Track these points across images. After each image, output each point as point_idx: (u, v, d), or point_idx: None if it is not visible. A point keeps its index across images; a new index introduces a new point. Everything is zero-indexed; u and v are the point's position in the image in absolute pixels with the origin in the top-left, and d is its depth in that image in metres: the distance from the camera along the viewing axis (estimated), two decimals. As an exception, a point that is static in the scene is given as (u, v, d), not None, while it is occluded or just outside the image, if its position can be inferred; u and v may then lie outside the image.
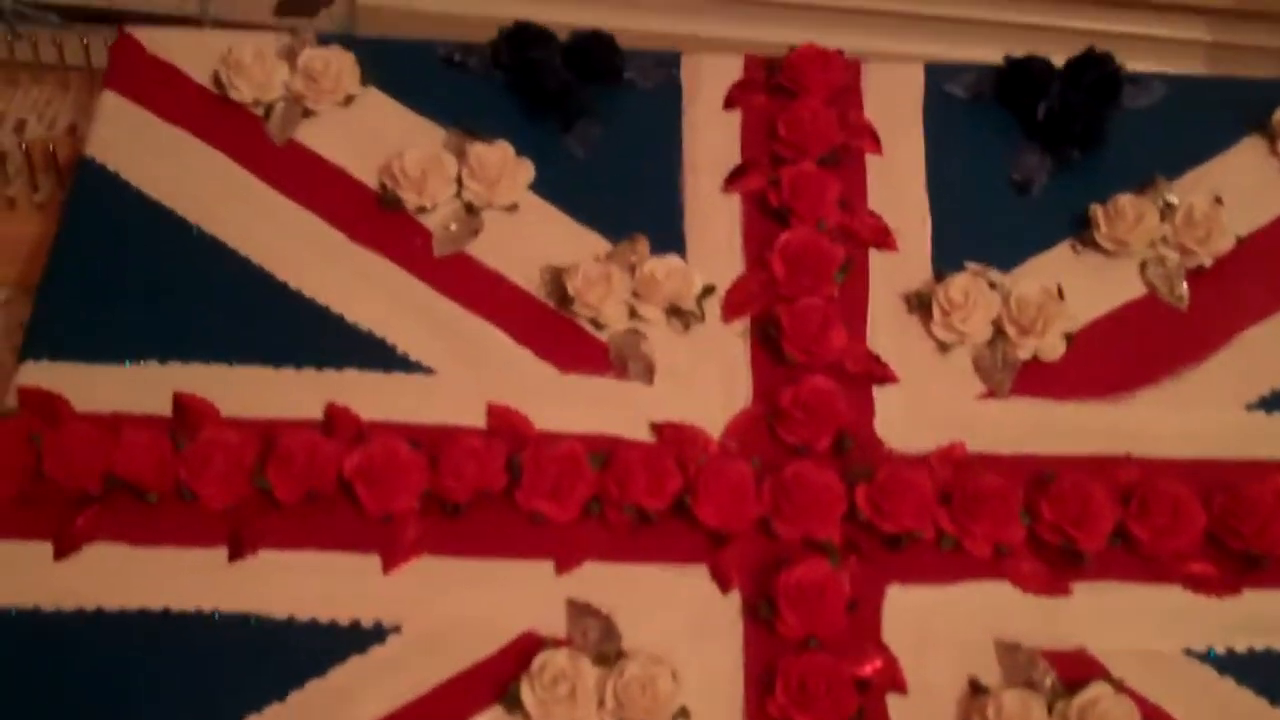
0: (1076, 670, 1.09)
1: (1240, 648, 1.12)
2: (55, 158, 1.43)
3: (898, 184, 1.33)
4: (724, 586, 1.12)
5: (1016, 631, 1.11)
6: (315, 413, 1.17)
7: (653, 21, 1.63)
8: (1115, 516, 1.15)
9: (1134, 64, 1.40)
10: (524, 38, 1.36)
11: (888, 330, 1.25)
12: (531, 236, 1.28)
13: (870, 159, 1.34)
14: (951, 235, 1.29)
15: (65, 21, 1.57)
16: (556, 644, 1.07)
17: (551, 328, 1.23)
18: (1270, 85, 1.41)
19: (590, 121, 1.34)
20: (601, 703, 1.05)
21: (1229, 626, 1.13)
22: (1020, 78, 1.36)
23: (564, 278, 1.23)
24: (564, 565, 1.12)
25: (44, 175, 1.44)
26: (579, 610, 1.10)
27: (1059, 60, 1.39)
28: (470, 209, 1.28)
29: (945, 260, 1.28)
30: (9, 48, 1.56)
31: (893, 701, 1.08)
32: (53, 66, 1.56)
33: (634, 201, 1.30)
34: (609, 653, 1.07)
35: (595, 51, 1.36)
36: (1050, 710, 1.06)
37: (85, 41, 1.52)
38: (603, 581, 1.12)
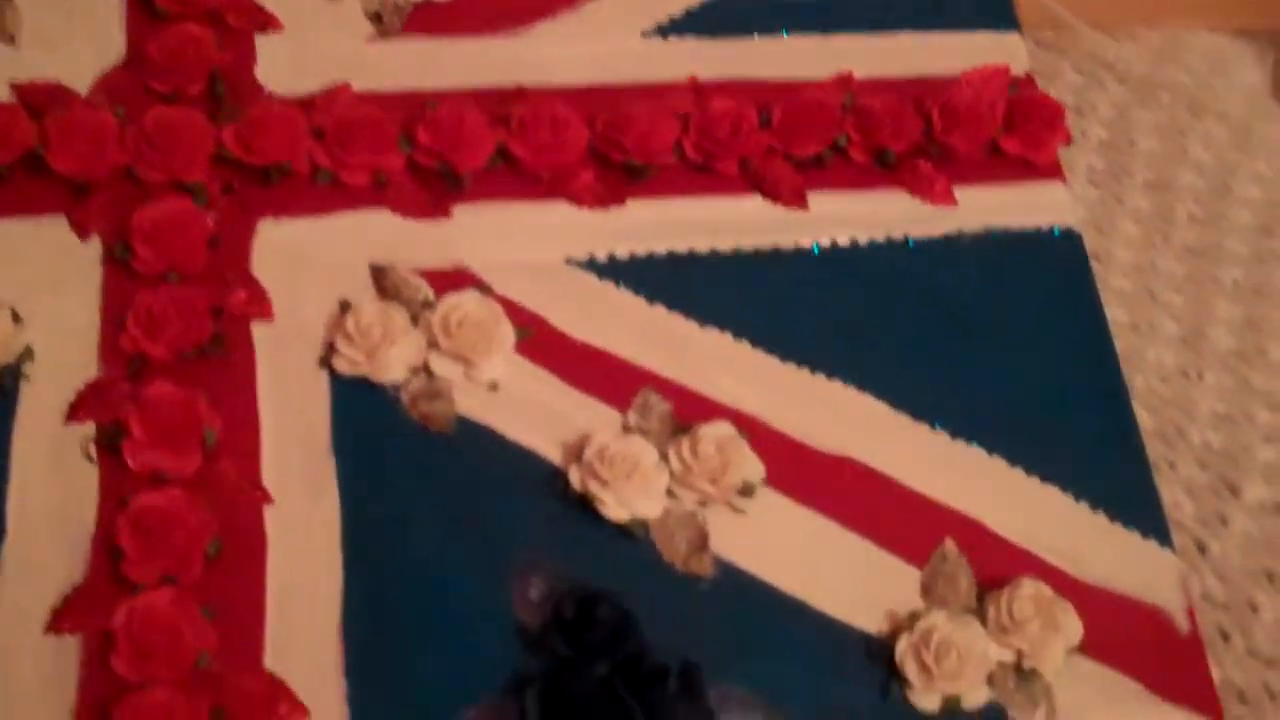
0: (452, 284, 1.08)
1: (622, 253, 1.13)
2: None
3: None
4: (82, 234, 1.08)
5: (393, 255, 1.10)
6: None
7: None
8: (495, 139, 1.14)
9: None
10: None
11: (273, -20, 1.21)
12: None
13: None
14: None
15: None
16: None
17: (-90, 1, 1.17)
18: None
19: None
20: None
21: (612, 235, 1.13)
22: None
23: (-76, -54, 1.16)
24: (-91, 231, 1.08)
25: None
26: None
27: None
28: None
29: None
30: None
31: (259, 328, 1.06)
32: None
33: None
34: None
35: None
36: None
37: None
38: (-46, 242, 1.07)
